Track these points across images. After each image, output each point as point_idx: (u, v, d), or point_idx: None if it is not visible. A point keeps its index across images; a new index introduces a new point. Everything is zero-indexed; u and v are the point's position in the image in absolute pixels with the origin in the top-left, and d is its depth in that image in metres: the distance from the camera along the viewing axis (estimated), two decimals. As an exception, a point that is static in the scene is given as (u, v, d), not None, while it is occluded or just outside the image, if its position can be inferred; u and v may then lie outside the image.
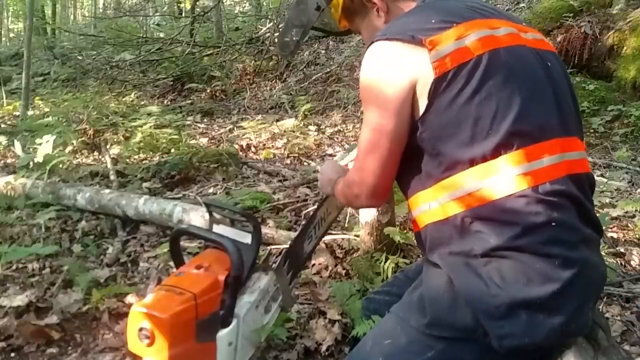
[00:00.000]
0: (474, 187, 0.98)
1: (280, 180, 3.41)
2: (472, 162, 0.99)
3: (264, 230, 2.33)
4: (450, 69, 0.98)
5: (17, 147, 3.81)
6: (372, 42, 1.08)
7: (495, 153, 0.97)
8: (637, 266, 2.15)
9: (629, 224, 2.50)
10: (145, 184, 3.30)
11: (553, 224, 0.95)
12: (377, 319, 1.33)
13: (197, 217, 2.41)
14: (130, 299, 1.98)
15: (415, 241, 1.21)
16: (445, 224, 1.03)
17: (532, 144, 0.99)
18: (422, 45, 1.00)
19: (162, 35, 9.49)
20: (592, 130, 4.16)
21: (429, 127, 1.02)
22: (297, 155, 4.15)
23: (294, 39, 1.32)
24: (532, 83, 1.04)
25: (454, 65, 0.98)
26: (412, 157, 1.08)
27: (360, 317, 1.46)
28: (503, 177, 0.97)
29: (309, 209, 2.73)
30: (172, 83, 7.07)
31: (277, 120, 5.13)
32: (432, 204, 1.05)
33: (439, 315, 1.03)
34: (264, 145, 4.45)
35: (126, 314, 1.16)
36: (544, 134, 1.01)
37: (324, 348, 1.62)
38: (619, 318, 1.83)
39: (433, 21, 1.04)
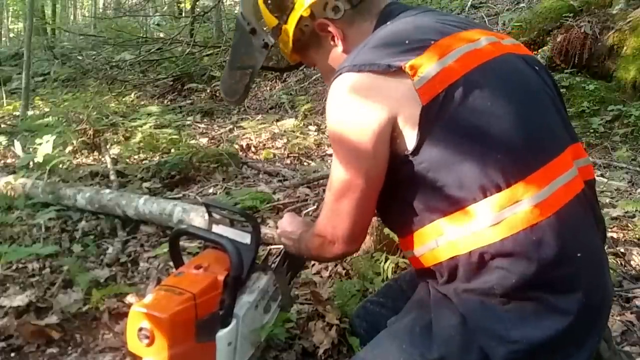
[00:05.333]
0: (491, 220, 0.88)
1: (280, 180, 3.40)
2: (485, 192, 0.88)
3: (264, 230, 2.33)
4: (439, 93, 0.88)
5: (17, 147, 3.80)
6: (340, 74, 0.95)
7: (510, 179, 0.88)
8: (637, 266, 2.15)
9: (629, 224, 2.50)
10: (145, 184, 3.29)
11: (579, 254, 0.88)
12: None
13: (197, 217, 2.41)
14: (130, 299, 1.97)
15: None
16: (457, 261, 0.93)
17: (548, 162, 0.90)
18: (401, 73, 0.88)
19: (162, 35, 9.48)
20: (592, 130, 4.14)
21: (426, 158, 0.91)
22: (297, 155, 4.14)
23: (242, 82, 1.17)
24: (529, 93, 0.96)
25: (442, 89, 0.88)
26: (403, 193, 0.97)
27: (356, 336, 1.45)
28: (522, 208, 0.87)
29: (309, 209, 2.72)
30: (172, 83, 7.05)
31: (277, 120, 5.12)
32: (439, 240, 0.95)
33: (447, 356, 0.96)
34: (264, 145, 4.45)
35: (126, 314, 1.16)
36: (557, 146, 0.93)
37: (321, 351, 1.61)
38: (619, 318, 1.82)
39: (407, 42, 0.92)
